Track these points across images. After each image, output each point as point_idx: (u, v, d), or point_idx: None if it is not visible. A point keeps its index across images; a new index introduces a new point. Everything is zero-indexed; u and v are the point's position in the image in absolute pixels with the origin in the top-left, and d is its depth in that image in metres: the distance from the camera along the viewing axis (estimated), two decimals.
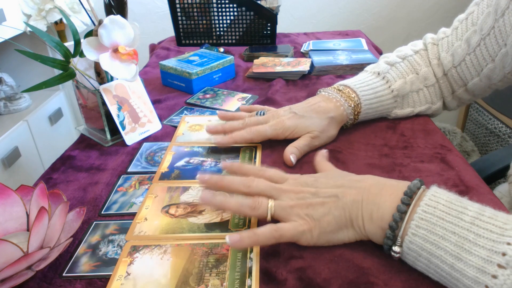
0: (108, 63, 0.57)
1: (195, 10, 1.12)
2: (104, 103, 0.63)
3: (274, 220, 0.43)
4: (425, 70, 0.66)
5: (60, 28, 1.56)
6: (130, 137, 0.65)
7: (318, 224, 0.42)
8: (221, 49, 1.07)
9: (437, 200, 0.37)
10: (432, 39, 0.69)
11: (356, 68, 0.91)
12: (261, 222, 0.47)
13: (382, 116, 0.67)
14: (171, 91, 0.86)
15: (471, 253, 0.34)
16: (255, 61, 0.96)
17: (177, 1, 1.10)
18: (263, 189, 0.45)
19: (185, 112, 0.76)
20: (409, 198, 0.39)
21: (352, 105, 0.62)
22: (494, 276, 0.32)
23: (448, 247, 0.35)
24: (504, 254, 0.32)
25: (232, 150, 0.61)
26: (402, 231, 0.38)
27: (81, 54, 0.60)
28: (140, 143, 0.65)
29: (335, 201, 0.43)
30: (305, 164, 0.58)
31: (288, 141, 0.60)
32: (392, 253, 0.39)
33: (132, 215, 0.49)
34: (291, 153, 0.57)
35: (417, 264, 0.38)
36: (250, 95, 0.82)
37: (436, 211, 0.37)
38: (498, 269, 0.32)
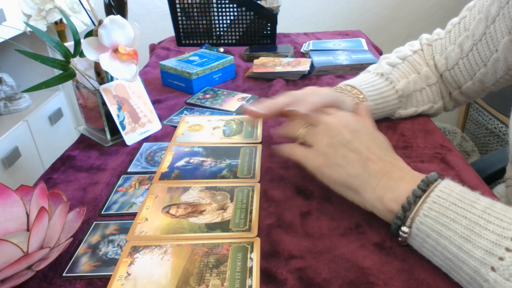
0: (108, 63, 0.57)
1: (195, 10, 1.12)
2: (104, 103, 0.63)
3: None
4: (426, 70, 0.67)
5: (60, 28, 1.56)
6: (130, 137, 0.65)
7: (329, 169, 0.46)
8: (221, 49, 1.07)
9: (451, 188, 0.39)
10: (427, 40, 0.70)
11: (356, 68, 0.91)
12: (262, 222, 0.47)
13: (387, 116, 0.67)
14: (171, 91, 0.86)
15: (481, 236, 0.35)
16: (255, 61, 0.96)
17: (177, 1, 1.10)
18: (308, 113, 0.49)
19: (185, 112, 0.76)
20: (425, 185, 0.40)
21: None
22: (501, 258, 0.33)
23: (458, 229, 0.36)
24: None
25: (232, 150, 0.61)
26: (413, 213, 0.39)
27: (81, 54, 0.60)
28: (140, 143, 0.65)
29: (356, 161, 0.45)
30: None
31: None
32: (400, 233, 0.41)
33: (132, 215, 0.49)
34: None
35: (424, 246, 0.39)
36: (250, 95, 0.82)
37: (450, 197, 0.38)
38: (506, 252, 0.33)
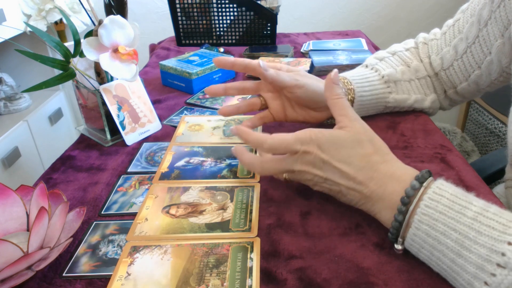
0: (108, 63, 0.57)
1: (195, 10, 1.12)
2: (104, 103, 0.63)
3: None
4: (417, 64, 0.68)
5: (60, 28, 1.56)
6: (130, 137, 0.65)
7: (336, 196, 0.47)
8: (221, 49, 1.07)
9: (441, 193, 0.38)
10: (423, 39, 0.70)
11: None
12: (262, 222, 0.47)
13: (380, 104, 0.66)
14: (171, 91, 0.86)
15: (471, 251, 0.34)
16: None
17: (177, 1, 1.10)
18: (277, 169, 0.48)
19: (185, 112, 0.76)
20: (408, 197, 0.39)
21: (346, 89, 0.62)
22: (493, 275, 0.33)
23: (449, 244, 0.36)
24: (503, 254, 0.32)
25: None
26: (403, 229, 0.39)
27: (81, 54, 0.60)
28: (140, 143, 0.65)
29: (341, 192, 0.45)
30: None
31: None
32: (395, 250, 0.41)
33: (132, 215, 0.49)
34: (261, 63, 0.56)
35: (420, 256, 0.39)
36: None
37: (439, 206, 0.37)
38: (497, 268, 0.32)
